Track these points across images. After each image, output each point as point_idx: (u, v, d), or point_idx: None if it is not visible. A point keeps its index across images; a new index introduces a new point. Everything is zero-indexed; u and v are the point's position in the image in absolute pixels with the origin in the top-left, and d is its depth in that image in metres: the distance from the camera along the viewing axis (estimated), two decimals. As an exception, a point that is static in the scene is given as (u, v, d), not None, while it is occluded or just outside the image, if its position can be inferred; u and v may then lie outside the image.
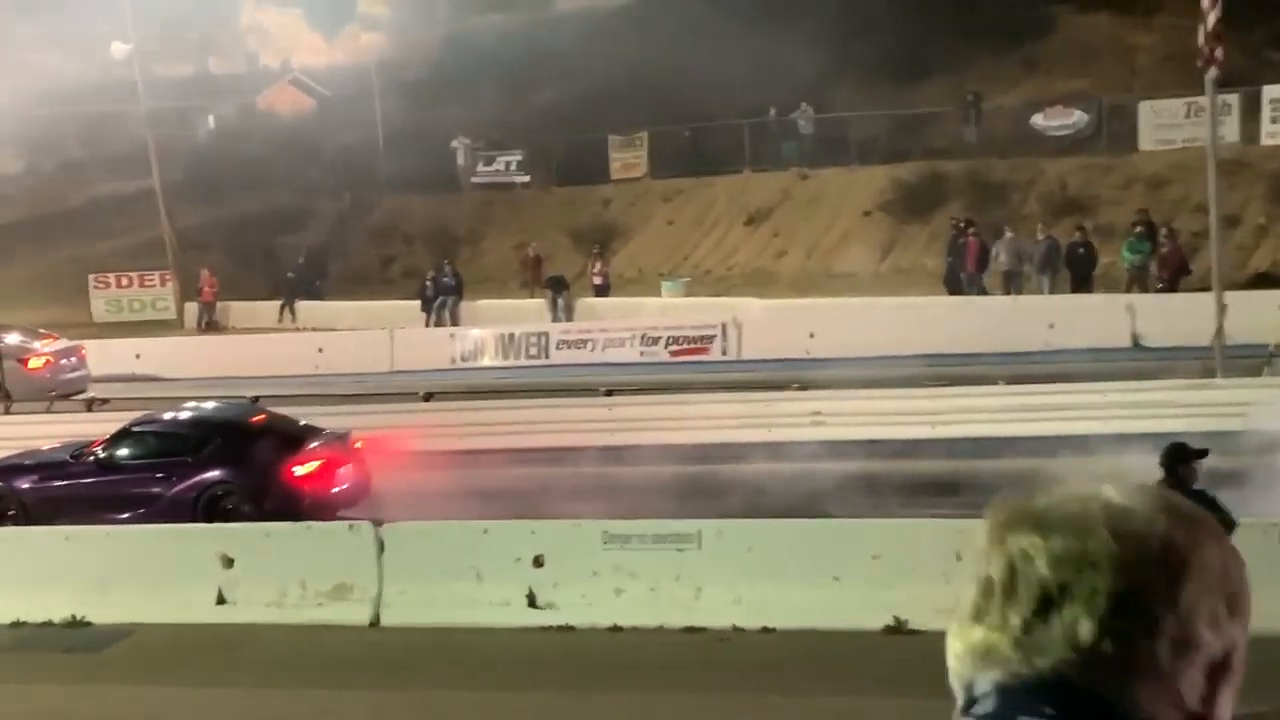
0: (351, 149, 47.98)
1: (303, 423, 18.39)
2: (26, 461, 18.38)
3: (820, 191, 39.93)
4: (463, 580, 13.29)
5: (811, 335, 27.55)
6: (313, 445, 17.41)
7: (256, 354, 30.63)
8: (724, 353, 28.56)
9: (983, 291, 31.17)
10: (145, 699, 11.98)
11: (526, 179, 46.43)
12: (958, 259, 31.92)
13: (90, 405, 23.65)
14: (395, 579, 13.45)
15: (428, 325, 34.50)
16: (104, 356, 30.40)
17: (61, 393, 24.91)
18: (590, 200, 44.16)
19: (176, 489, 16.91)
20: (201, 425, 17.92)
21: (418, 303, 35.40)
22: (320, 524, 14.72)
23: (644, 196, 43.56)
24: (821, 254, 37.93)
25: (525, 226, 42.57)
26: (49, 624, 13.86)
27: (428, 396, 22.87)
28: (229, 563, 13.85)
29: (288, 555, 13.87)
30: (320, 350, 30.46)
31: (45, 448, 19.02)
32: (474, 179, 47.35)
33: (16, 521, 16.86)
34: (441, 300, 35.08)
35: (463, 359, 30.03)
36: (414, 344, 30.92)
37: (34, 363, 25.31)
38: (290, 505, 16.17)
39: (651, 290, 36.76)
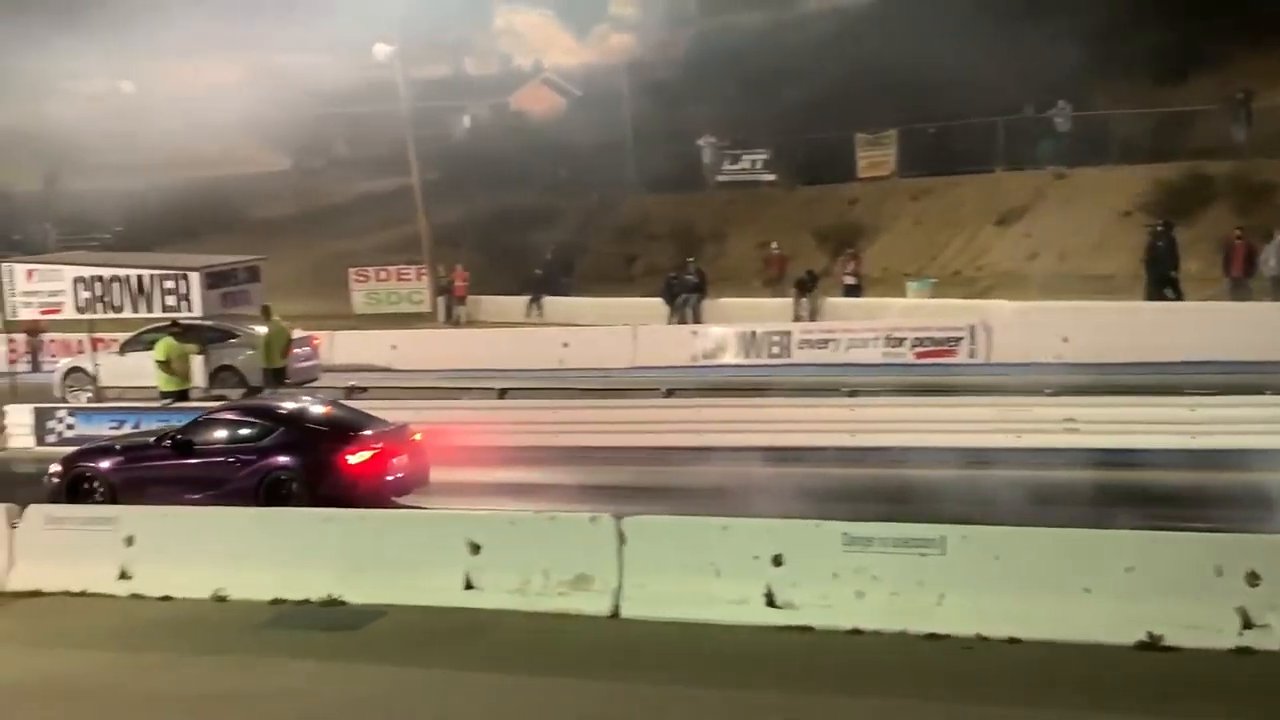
0: (600, 148, 48.62)
1: (368, 416, 19.24)
2: (115, 445, 19.70)
3: (1076, 191, 38.74)
4: (701, 576, 13.31)
5: (1065, 339, 26.76)
6: (368, 436, 18.24)
7: (504, 348, 31.34)
8: (971, 355, 27.97)
9: (1246, 297, 29.76)
10: (395, 679, 12.35)
11: (772, 177, 46.33)
12: (1228, 262, 30.56)
13: (349, 393, 24.51)
14: (635, 572, 13.55)
15: (670, 322, 34.73)
16: (362, 347, 31.60)
17: (295, 381, 25.91)
18: (836, 199, 43.80)
19: (243, 473, 17.96)
20: (267, 415, 18.93)
21: (660, 300, 35.66)
22: (564, 515, 14.94)
23: (891, 195, 42.99)
24: (1076, 256, 36.78)
25: (769, 225, 42.47)
26: (307, 602, 14.43)
27: (669, 392, 23.03)
28: (476, 549, 14.17)
29: (532, 544, 14.10)
30: (565, 345, 30.97)
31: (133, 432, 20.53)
32: (719, 177, 47.49)
33: (103, 500, 18.01)
34: (684, 298, 35.27)
35: (704, 356, 30.14)
36: (656, 341, 31.17)
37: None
38: (344, 491, 17.25)
39: (897, 291, 36.24)
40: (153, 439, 19.25)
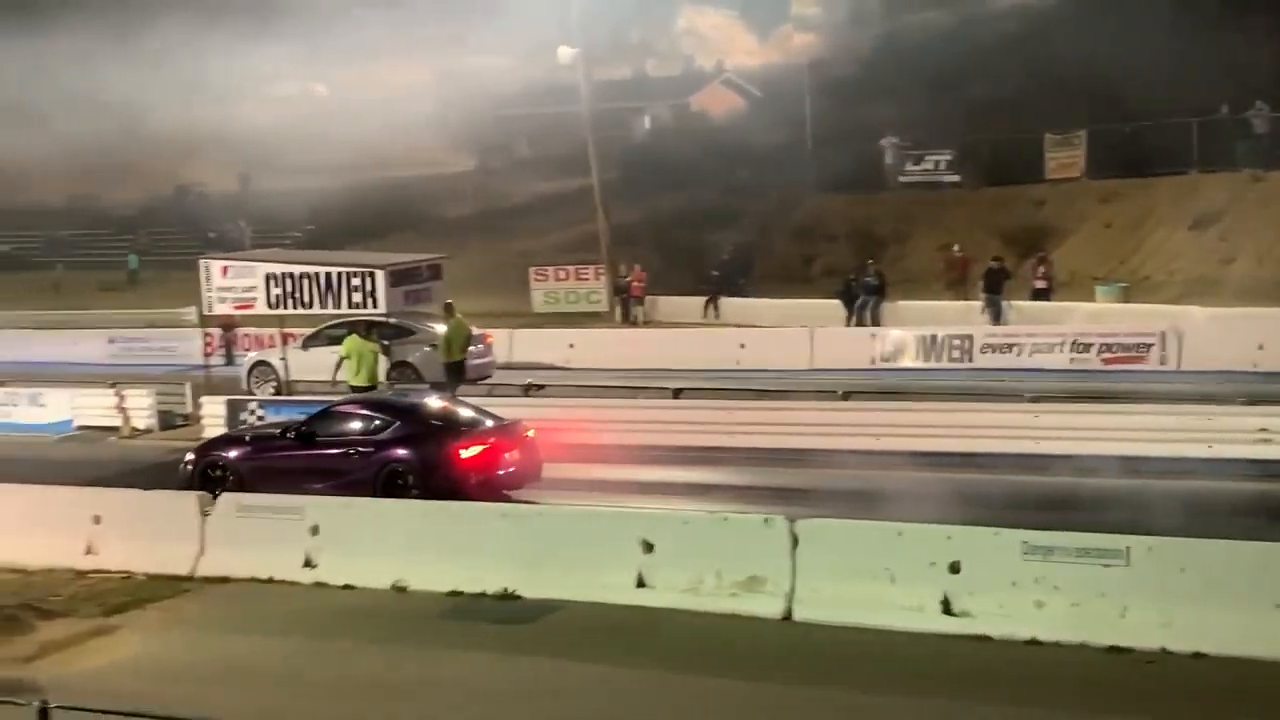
0: (780, 148, 48.43)
1: (483, 412, 19.64)
2: (245, 435, 20.56)
3: (1274, 195, 37.33)
4: (876, 581, 13.15)
5: (1260, 347, 25.79)
6: (481, 431, 18.72)
7: (681, 348, 31.37)
8: (1162, 363, 27.11)
9: None
10: (567, 673, 12.45)
11: (956, 178, 45.60)
12: None
13: (527, 390, 24.84)
14: (808, 575, 13.44)
15: (848, 325, 34.39)
16: (540, 345, 31.95)
17: (470, 377, 26.28)
18: (1022, 201, 42.92)
19: (361, 465, 18.42)
20: (385, 409, 19.40)
21: (839, 302, 35.36)
22: (737, 516, 14.89)
23: (1079, 197, 41.96)
24: (1274, 261, 35.44)
25: (952, 227, 41.80)
26: (483, 595, 14.64)
27: (846, 395, 22.81)
28: (649, 548, 14.22)
29: (704, 544, 14.10)
30: (742, 346, 30.88)
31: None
32: (901, 178, 46.92)
33: (231, 488, 18.32)
34: (863, 300, 34.91)
35: (883, 359, 29.76)
36: (834, 343, 30.89)
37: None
38: (456, 484, 17.62)
39: (1084, 295, 35.32)
40: (279, 430, 19.86)
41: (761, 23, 73.64)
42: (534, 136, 63.62)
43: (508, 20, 58.70)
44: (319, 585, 15.50)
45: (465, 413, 19.63)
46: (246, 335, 33.36)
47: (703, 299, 38.93)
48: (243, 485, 18.42)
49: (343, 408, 19.99)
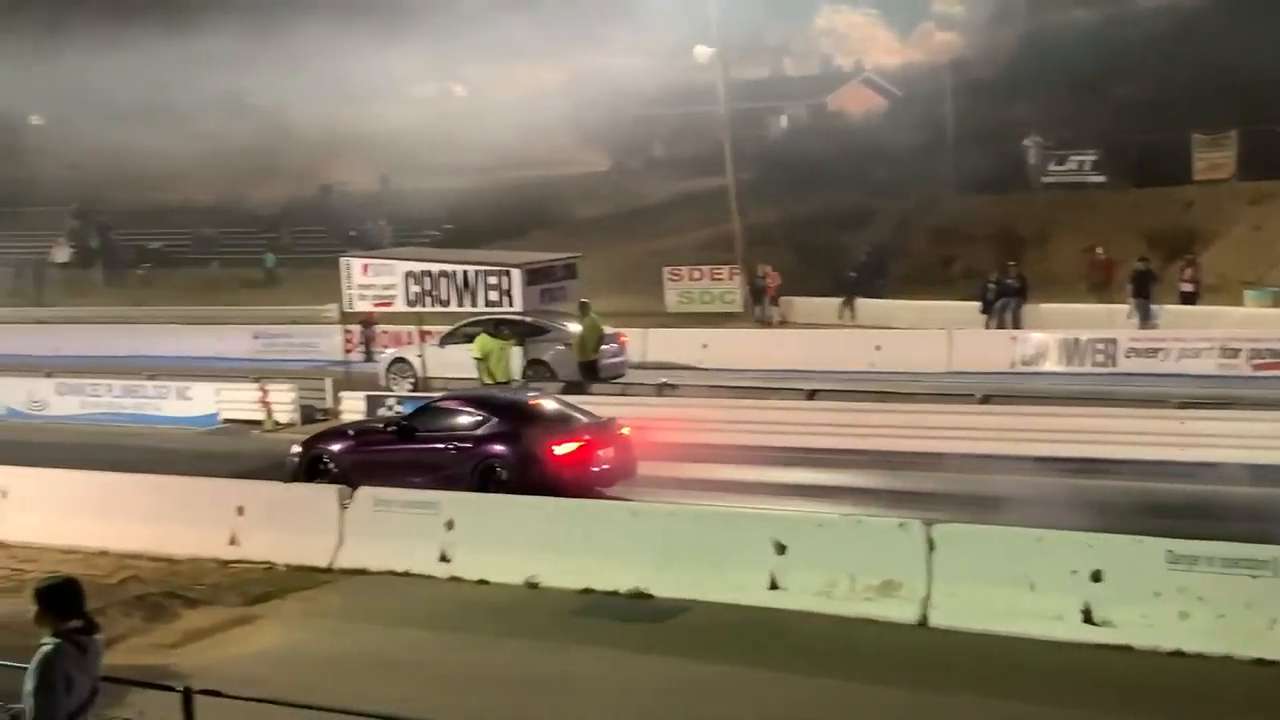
0: (919, 148, 47.79)
1: (581, 410, 20.05)
2: (349, 430, 21.04)
3: None
4: (1014, 588, 12.92)
5: None
6: (575, 428, 19.02)
7: (815, 349, 31.16)
8: (1316, 368, 26.29)
9: None
10: (700, 673, 12.43)
11: (1101, 179, 44.62)
12: None
13: (660, 389, 24.85)
14: (944, 580, 13.25)
15: (987, 327, 33.85)
16: (673, 345, 31.96)
17: (603, 377, 26.36)
18: (1169, 202, 41.83)
19: (458, 460, 18.79)
20: (483, 405, 19.75)
21: (977, 304, 34.82)
22: (872, 519, 14.75)
23: (1229, 199, 40.79)
24: None
25: (1095, 229, 40.88)
26: (614, 594, 14.68)
27: (985, 399, 22.46)
28: (782, 549, 14.13)
29: (838, 547, 13.98)
30: (878, 348, 30.56)
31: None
32: (1044, 179, 46.03)
33: (334, 480, 18.72)
34: (1003, 302, 34.32)
35: (1023, 363, 29.24)
36: (972, 345, 30.42)
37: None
38: (551, 479, 17.85)
39: (1233, 299, 34.35)
40: (382, 425, 20.44)
41: (902, 21, 72.87)
42: (669, 136, 63.66)
43: (644, 20, 58.89)
44: (454, 580, 15.68)
45: (563, 410, 19.96)
46: (384, 332, 33.87)
47: (838, 300, 38.60)
48: (346, 478, 18.74)
49: (443, 404, 20.40)
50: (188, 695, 8.33)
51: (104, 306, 47.62)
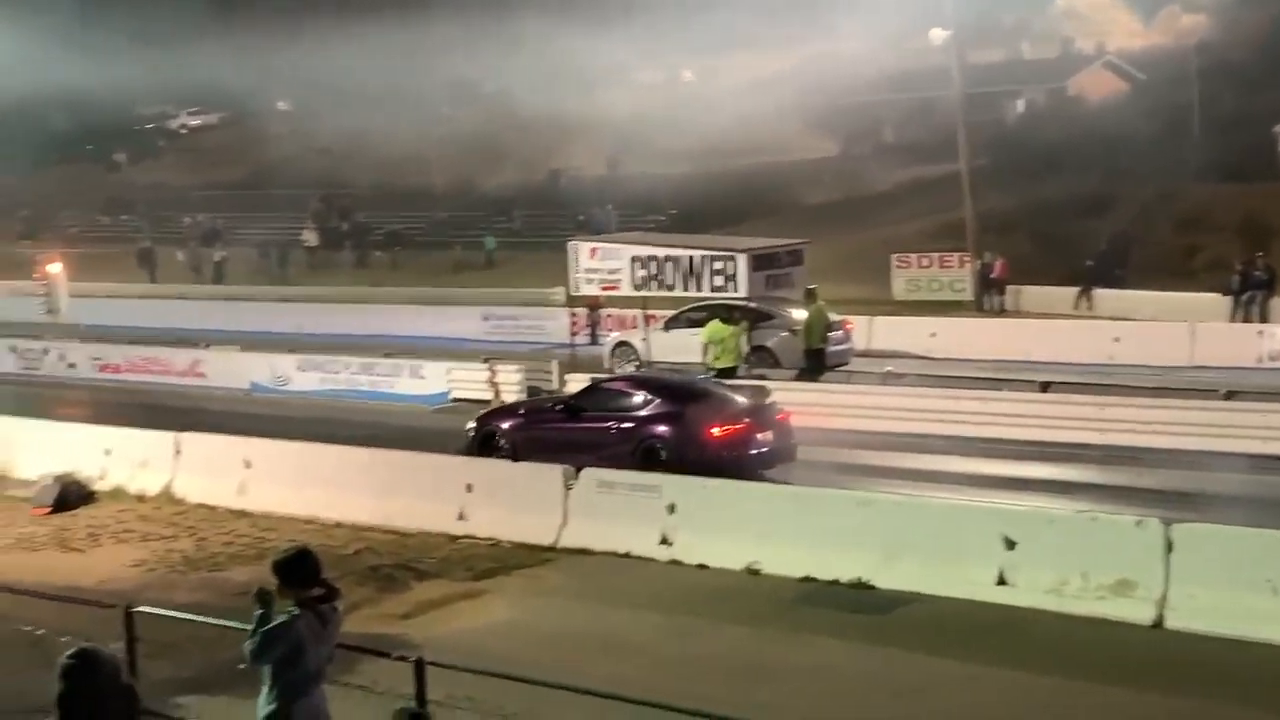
0: (1162, 134, 46.13)
1: (744, 394, 20.66)
2: (520, 408, 21.99)
3: None
4: (1257, 592, 12.36)
5: None
6: (734, 411, 19.47)
7: (1048, 339, 30.33)
8: None
9: None
10: (925, 667, 12.18)
11: (1360, 167, 42.37)
12: None
13: (885, 378, 24.49)
14: (1183, 581, 12.73)
15: (1233, 320, 32.46)
16: (900, 333, 31.47)
17: (828, 364, 26.04)
18: None
19: (620, 439, 19.30)
20: (646, 386, 20.34)
21: (1222, 296, 33.40)
22: (1107, 516, 14.26)
23: None
24: None
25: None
26: (836, 583, 14.50)
27: (1229, 394, 21.51)
28: (1011, 545, 13.77)
29: (1071, 544, 13.55)
30: (1116, 340, 29.57)
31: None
32: (1297, 167, 43.93)
33: (505, 456, 19.70)
34: (1250, 295, 32.87)
35: (1271, 358, 27.93)
36: (1217, 339, 29.19)
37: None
38: (709, 460, 18.19)
39: None
40: (551, 404, 21.24)
41: (1146, 3, 70.38)
42: (899, 122, 62.76)
43: (873, 4, 58.13)
44: (674, 563, 15.71)
45: (721, 393, 20.47)
46: (610, 316, 34.21)
47: (1074, 290, 37.47)
48: (516, 454, 19.61)
49: (608, 385, 21.11)
50: (419, 666, 8.52)
51: (343, 287, 49.27)
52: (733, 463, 18.28)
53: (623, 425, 19.52)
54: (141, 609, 11.13)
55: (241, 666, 8.45)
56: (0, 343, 36.38)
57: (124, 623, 9.97)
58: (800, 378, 24.94)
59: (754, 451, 19.09)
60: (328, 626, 8.09)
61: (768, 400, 20.80)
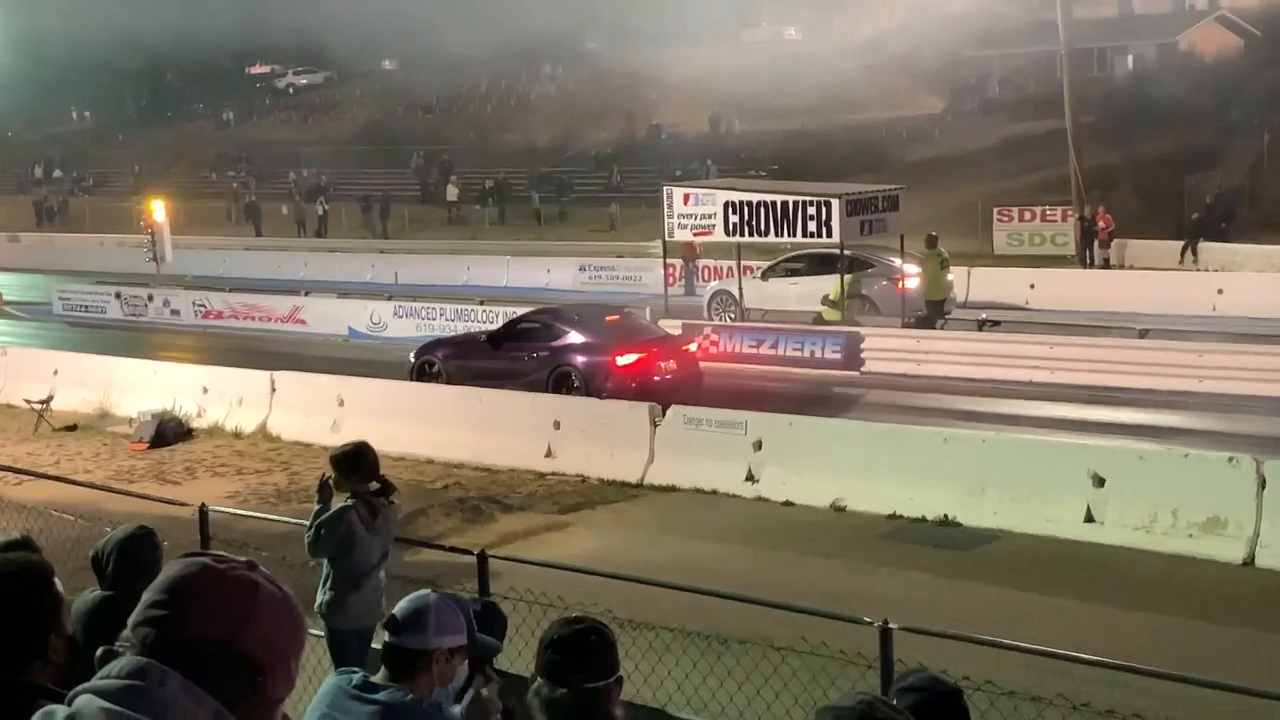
0: (1277, 89, 44.86)
1: (654, 328, 22.91)
2: (454, 341, 23.71)
3: None
4: (1356, 533, 12.05)
5: None
6: (639, 343, 21.20)
7: (1149, 292, 29.75)
8: None
9: None
10: (1012, 600, 12.05)
11: None
12: None
13: (981, 325, 24.21)
14: (1275, 518, 12.45)
15: (1342, 274, 31.57)
16: (999, 284, 31.04)
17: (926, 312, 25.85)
18: None
19: (536, 368, 20.97)
20: (559, 318, 22.10)
21: (1334, 250, 32.51)
22: (1197, 453, 13.98)
23: None
24: None
25: None
26: (922, 520, 14.41)
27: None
28: (1100, 481, 13.57)
29: (1160, 481, 13.31)
30: (1220, 292, 28.92)
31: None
32: None
33: (438, 381, 21.56)
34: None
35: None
36: (1324, 291, 28.43)
37: (907, 283, 26.36)
38: (615, 386, 19.84)
39: None
40: (483, 336, 22.79)
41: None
42: (1007, 77, 61.71)
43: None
44: (760, 500, 15.68)
45: (631, 326, 22.14)
46: (706, 266, 34.12)
47: (1179, 243, 36.69)
48: (449, 380, 21.40)
49: (527, 318, 22.71)
50: (482, 558, 8.58)
51: (441, 239, 49.69)
52: (639, 390, 19.51)
53: (539, 354, 21.21)
54: (216, 508, 11.28)
55: (310, 564, 8.59)
56: (107, 291, 37.21)
57: (199, 520, 10.12)
58: (914, 326, 24.72)
59: (657, 378, 20.56)
60: (377, 518, 8.20)
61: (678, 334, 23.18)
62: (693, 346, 22.31)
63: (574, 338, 21.28)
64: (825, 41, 66.70)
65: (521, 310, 24.26)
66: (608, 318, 22.36)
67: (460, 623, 4.27)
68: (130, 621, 2.22)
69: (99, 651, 2.23)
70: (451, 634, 4.23)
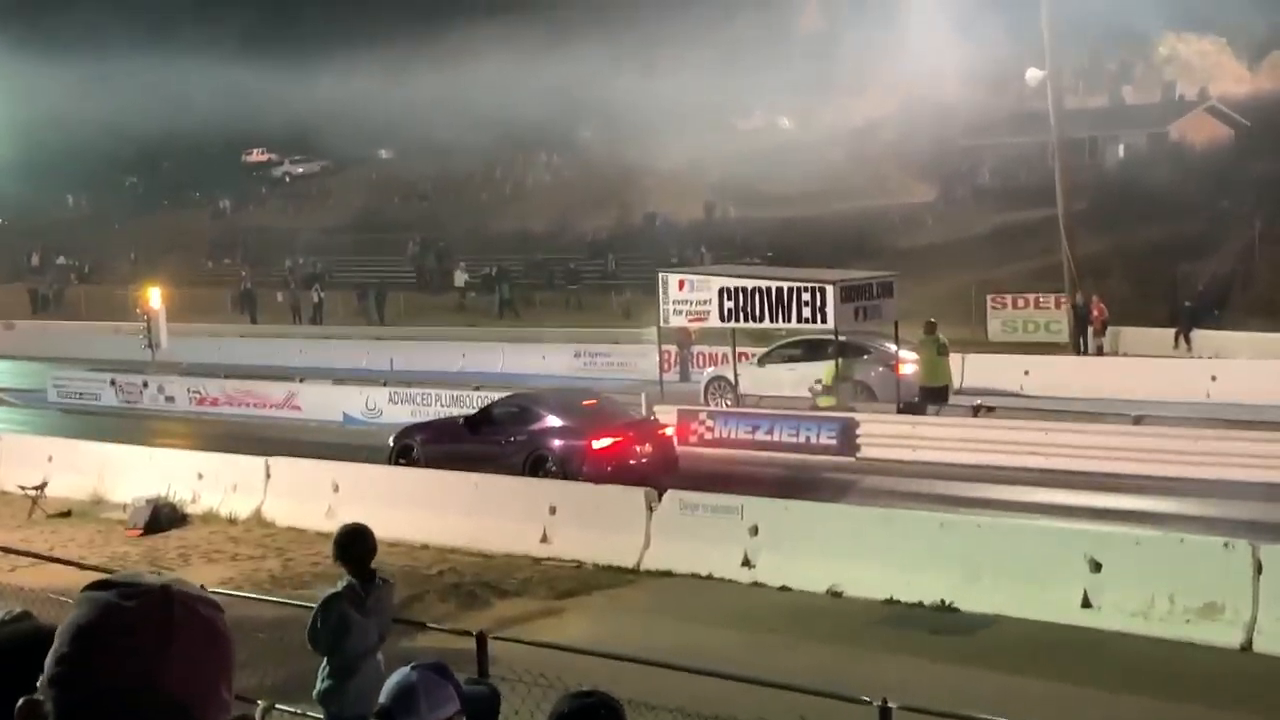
0: (1268, 178, 45.35)
1: (628, 412, 22.91)
2: (433, 423, 24.13)
3: None
4: (1353, 619, 12.02)
5: None
6: (615, 426, 21.26)
7: (1144, 377, 29.81)
8: None
9: None
10: (1009, 686, 11.98)
11: None
12: None
13: (976, 412, 24.27)
14: (1272, 604, 12.43)
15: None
16: (993, 371, 31.11)
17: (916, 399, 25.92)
18: None
19: (513, 451, 21.14)
20: (536, 403, 22.43)
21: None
22: (1194, 538, 13.97)
23: None
24: None
25: None
26: (919, 605, 14.37)
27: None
28: (1096, 566, 13.56)
29: (1157, 566, 13.31)
30: (1213, 379, 29.00)
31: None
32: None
33: (416, 464, 21.70)
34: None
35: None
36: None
37: (903, 369, 26.48)
38: (591, 470, 19.96)
39: None
40: (461, 421, 22.93)
41: (1251, 49, 69.42)
42: (998, 165, 62.30)
43: (973, 48, 57.90)
44: (756, 585, 15.64)
45: (607, 409, 22.25)
46: (701, 354, 34.22)
47: (1172, 330, 36.89)
48: (427, 464, 21.46)
49: (503, 403, 23.06)
50: (481, 639, 8.55)
51: (438, 326, 49.84)
52: (615, 473, 19.63)
53: (516, 438, 21.39)
54: (215, 590, 11.22)
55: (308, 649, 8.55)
56: (102, 377, 37.22)
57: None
58: (905, 411, 24.74)
59: (634, 462, 20.64)
60: (369, 599, 8.18)
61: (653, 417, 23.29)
62: (669, 430, 22.65)
63: (550, 421, 21.52)
64: (818, 130, 67.38)
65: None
66: (584, 402, 22.66)
67: (448, 691, 4.23)
68: (43, 676, 2.05)
69: (20, 701, 2.07)
70: (444, 705, 4.21)
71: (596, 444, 20.72)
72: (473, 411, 24.02)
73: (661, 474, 20.03)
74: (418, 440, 22.80)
